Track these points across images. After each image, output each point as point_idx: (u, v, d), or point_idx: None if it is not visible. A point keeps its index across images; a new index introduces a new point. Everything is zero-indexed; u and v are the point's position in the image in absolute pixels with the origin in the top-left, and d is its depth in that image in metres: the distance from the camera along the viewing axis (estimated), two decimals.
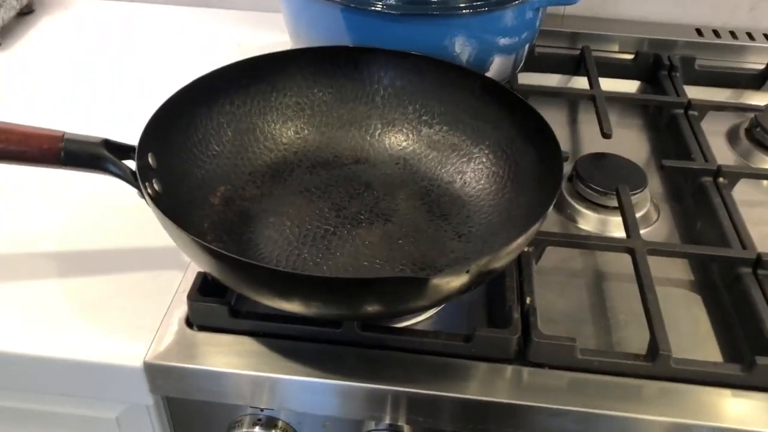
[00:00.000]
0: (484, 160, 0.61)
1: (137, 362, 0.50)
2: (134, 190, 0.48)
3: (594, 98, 0.74)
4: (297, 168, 0.62)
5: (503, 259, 0.46)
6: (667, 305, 0.52)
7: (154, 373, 0.50)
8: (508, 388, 0.49)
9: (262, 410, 0.54)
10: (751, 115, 0.76)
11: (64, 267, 0.56)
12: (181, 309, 0.53)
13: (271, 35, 0.87)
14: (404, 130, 0.65)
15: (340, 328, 0.50)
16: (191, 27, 0.91)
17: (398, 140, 0.65)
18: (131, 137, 0.51)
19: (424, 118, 0.64)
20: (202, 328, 0.52)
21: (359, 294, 0.43)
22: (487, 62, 0.69)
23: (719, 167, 0.66)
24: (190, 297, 0.51)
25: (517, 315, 0.51)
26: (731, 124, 0.78)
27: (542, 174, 0.55)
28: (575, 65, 0.85)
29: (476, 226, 0.57)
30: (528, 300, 0.53)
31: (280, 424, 0.55)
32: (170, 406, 0.55)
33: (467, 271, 0.43)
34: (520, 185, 0.57)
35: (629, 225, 0.59)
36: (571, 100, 0.82)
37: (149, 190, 0.47)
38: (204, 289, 0.52)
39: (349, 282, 0.43)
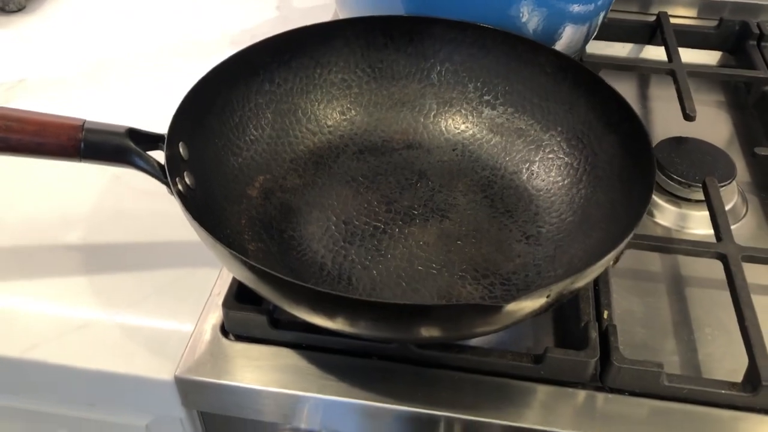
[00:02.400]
0: (555, 148, 0.54)
1: (167, 375, 0.45)
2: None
3: (674, 73, 0.65)
4: (342, 153, 0.56)
5: (587, 278, 0.39)
6: (764, 318, 0.45)
7: (186, 387, 0.45)
8: (582, 417, 0.43)
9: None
10: None
11: (91, 262, 0.51)
12: (216, 314, 0.48)
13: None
14: (463, 111, 0.57)
15: (393, 342, 0.44)
16: None
17: (456, 123, 0.58)
18: (159, 115, 0.45)
19: (486, 98, 0.57)
20: (239, 337, 0.47)
21: (417, 320, 0.37)
22: (556, 33, 0.61)
23: None
24: (226, 305, 0.46)
25: (594, 334, 0.44)
26: None
27: (626, 169, 0.47)
28: (649, 33, 0.75)
29: (546, 226, 0.50)
30: (605, 314, 0.46)
31: None
32: (204, 419, 0.50)
33: (547, 296, 0.36)
34: (599, 180, 0.50)
35: (720, 226, 0.51)
36: (643, 74, 0.73)
37: (179, 186, 0.41)
38: (240, 295, 0.46)
39: (407, 308, 0.36)
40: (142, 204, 0.56)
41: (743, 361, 0.43)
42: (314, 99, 0.56)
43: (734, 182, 0.57)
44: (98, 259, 0.52)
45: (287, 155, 0.54)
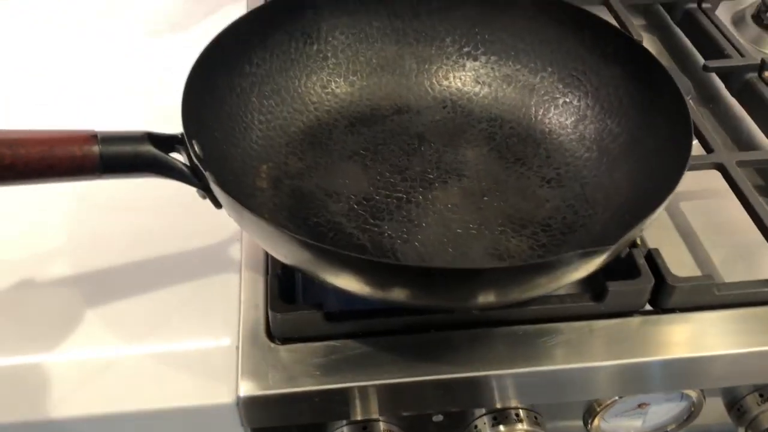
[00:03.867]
0: (549, 89, 0.53)
1: (226, 398, 0.41)
2: (153, 188, 0.38)
3: (608, 3, 0.68)
4: (334, 129, 0.53)
5: (651, 219, 0.38)
6: None
7: (252, 406, 0.41)
8: (647, 342, 0.43)
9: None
10: None
11: (90, 295, 0.45)
12: (253, 320, 0.44)
13: None
14: (444, 66, 0.56)
15: (454, 311, 0.43)
16: None
17: (439, 80, 0.56)
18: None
19: (465, 49, 0.55)
20: (286, 339, 0.43)
21: (484, 283, 0.35)
22: None
23: (763, 60, 0.61)
24: (275, 308, 0.42)
25: (642, 260, 0.45)
26: (734, 11, 0.74)
27: (638, 97, 0.48)
28: None
29: (563, 167, 0.50)
30: (638, 241, 0.47)
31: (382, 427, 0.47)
32: None
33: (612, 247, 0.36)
34: (607, 112, 0.50)
35: (708, 140, 0.54)
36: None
37: (221, 188, 0.36)
38: (284, 295, 0.43)
39: (480, 272, 0.35)
40: (120, 222, 0.50)
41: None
42: (293, 75, 0.53)
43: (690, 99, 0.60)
44: (96, 289, 0.46)
45: (281, 139, 0.51)
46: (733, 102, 0.62)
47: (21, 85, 0.61)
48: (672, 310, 0.45)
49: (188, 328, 0.44)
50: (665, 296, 0.45)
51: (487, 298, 0.38)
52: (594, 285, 0.44)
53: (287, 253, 0.37)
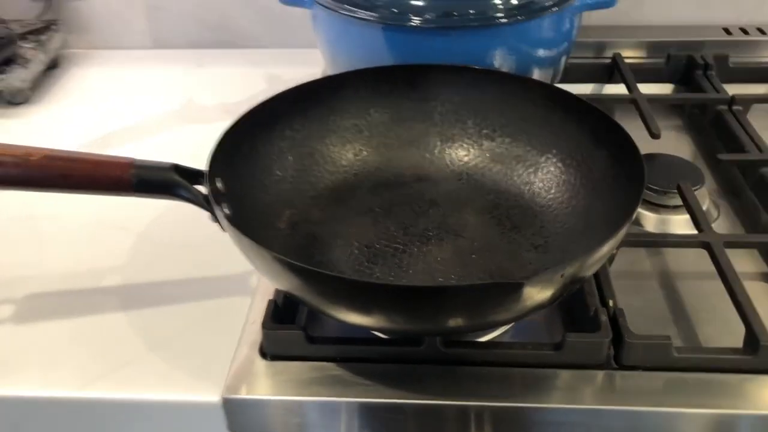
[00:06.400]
0: (552, 168, 0.59)
1: (214, 397, 0.48)
2: (187, 221, 0.46)
3: (635, 101, 0.73)
4: (359, 189, 0.61)
5: (596, 263, 0.43)
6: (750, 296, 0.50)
7: (233, 408, 0.48)
8: (603, 394, 0.46)
9: None
10: None
11: (127, 301, 0.55)
12: (252, 339, 0.51)
13: (303, 69, 0.80)
14: (465, 145, 0.63)
15: (422, 345, 0.48)
16: (220, 69, 0.91)
17: (459, 156, 0.63)
18: None
19: (485, 131, 0.63)
20: (276, 357, 0.50)
21: (448, 303, 0.41)
22: (527, 75, 0.68)
23: None
24: (265, 326, 0.49)
25: (605, 317, 0.48)
26: None
27: (618, 177, 0.53)
28: (608, 73, 0.84)
29: (552, 236, 0.55)
30: (611, 303, 0.51)
31: None
32: None
33: (562, 275, 0.41)
34: (596, 191, 0.55)
35: (699, 219, 0.57)
36: (608, 107, 0.80)
37: (223, 213, 0.45)
38: (276, 317, 0.50)
39: (439, 290, 0.41)
40: (169, 251, 0.60)
41: (740, 336, 0.48)
42: (329, 143, 0.62)
43: (704, 188, 0.63)
44: (133, 299, 0.56)
45: (309, 192, 0.59)
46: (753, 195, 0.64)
47: None
48: (635, 368, 0.48)
49: (199, 341, 0.52)
50: (624, 353, 0.48)
51: (429, 321, 0.43)
52: (557, 336, 0.48)
53: (260, 265, 0.45)
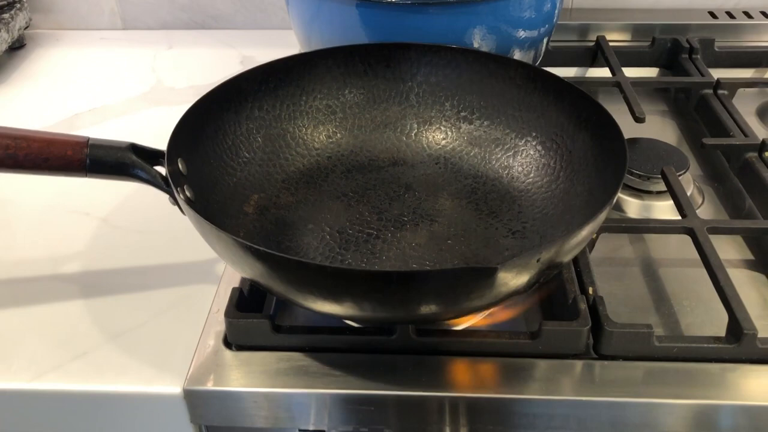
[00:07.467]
0: (531, 152, 0.57)
1: (176, 389, 0.46)
2: (153, 206, 0.44)
3: (619, 84, 0.71)
4: (332, 173, 0.59)
5: (574, 248, 0.41)
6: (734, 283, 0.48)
7: (195, 400, 0.46)
8: (582, 384, 0.44)
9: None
10: None
11: (88, 290, 0.53)
12: (216, 329, 0.49)
13: (278, 51, 0.81)
14: (442, 128, 0.61)
15: (394, 334, 0.46)
16: (192, 50, 0.88)
17: (436, 139, 0.61)
18: None
19: (462, 114, 0.60)
20: (241, 347, 0.48)
21: (420, 289, 0.38)
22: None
23: (764, 141, 0.62)
24: (228, 314, 0.47)
25: (584, 305, 0.46)
26: (761, 102, 0.75)
27: (600, 159, 0.51)
28: (591, 57, 0.82)
29: (530, 222, 0.53)
30: (591, 290, 0.49)
31: None
32: None
33: (538, 260, 0.38)
34: (576, 174, 0.53)
35: (683, 205, 0.55)
36: (591, 90, 0.78)
37: (185, 194, 0.43)
38: (241, 305, 0.48)
39: (410, 275, 0.38)
40: (133, 236, 0.58)
41: (723, 325, 0.46)
42: (301, 124, 0.59)
43: (689, 174, 0.61)
44: (94, 287, 0.53)
45: (279, 176, 0.57)
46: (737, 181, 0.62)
47: None
48: (615, 358, 0.46)
49: (160, 331, 0.49)
50: (603, 342, 0.46)
51: (400, 308, 0.41)
52: (534, 324, 0.46)
53: (221, 250, 0.42)
